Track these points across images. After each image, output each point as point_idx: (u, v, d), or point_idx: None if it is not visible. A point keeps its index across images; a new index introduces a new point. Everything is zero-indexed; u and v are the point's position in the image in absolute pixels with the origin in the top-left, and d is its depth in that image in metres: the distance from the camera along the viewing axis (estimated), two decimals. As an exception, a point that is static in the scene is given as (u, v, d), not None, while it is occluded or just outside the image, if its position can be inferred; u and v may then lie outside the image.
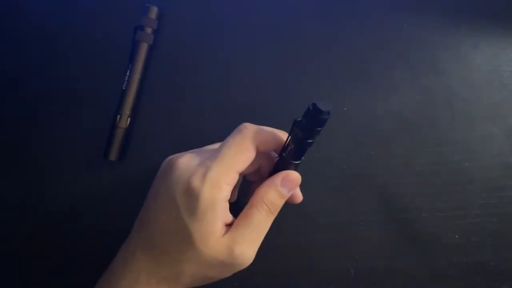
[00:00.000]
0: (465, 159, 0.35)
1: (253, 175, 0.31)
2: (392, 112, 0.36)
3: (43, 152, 0.35)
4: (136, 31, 0.35)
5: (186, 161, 0.27)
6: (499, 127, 0.35)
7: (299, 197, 0.30)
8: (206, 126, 0.35)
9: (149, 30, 0.35)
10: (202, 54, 0.36)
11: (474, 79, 0.36)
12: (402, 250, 0.34)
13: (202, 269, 0.26)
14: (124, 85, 0.34)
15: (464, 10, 0.37)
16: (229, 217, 0.27)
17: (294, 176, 0.27)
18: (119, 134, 0.34)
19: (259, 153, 0.29)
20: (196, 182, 0.25)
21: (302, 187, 0.34)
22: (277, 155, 0.28)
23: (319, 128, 0.25)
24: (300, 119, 0.25)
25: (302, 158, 0.27)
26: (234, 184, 0.26)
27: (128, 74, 0.34)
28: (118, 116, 0.34)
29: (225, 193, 0.26)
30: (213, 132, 0.35)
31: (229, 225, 0.27)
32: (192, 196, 0.25)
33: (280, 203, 0.27)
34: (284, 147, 0.27)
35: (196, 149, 0.30)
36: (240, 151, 0.26)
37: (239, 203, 0.30)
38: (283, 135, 0.28)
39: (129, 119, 0.34)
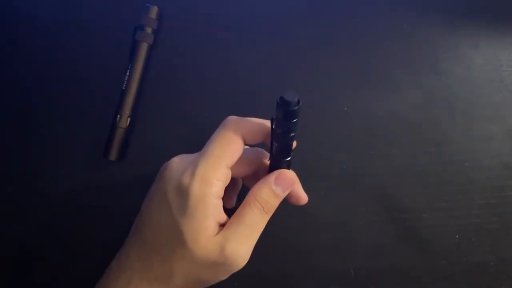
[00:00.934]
0: (465, 159, 0.35)
1: (251, 180, 0.30)
2: (392, 112, 0.36)
3: (43, 152, 0.35)
4: (136, 31, 0.35)
5: (178, 160, 0.28)
6: (499, 127, 0.35)
7: (303, 198, 0.30)
8: (206, 126, 0.35)
9: (149, 30, 0.35)
10: (202, 53, 0.36)
11: (474, 79, 0.36)
12: (402, 250, 0.34)
13: (194, 269, 0.26)
14: (124, 85, 0.34)
15: (464, 10, 0.37)
16: (222, 217, 0.26)
17: (287, 174, 0.27)
18: (119, 134, 0.34)
19: (252, 153, 0.29)
20: (186, 179, 0.25)
21: (302, 186, 0.34)
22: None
23: (294, 120, 0.24)
24: (274, 116, 0.25)
25: (291, 154, 0.27)
26: (225, 180, 0.26)
27: (128, 74, 0.34)
28: (118, 116, 0.34)
29: (215, 189, 0.25)
30: (213, 132, 0.35)
31: (223, 225, 0.26)
32: (182, 194, 0.25)
33: (274, 202, 0.27)
34: (271, 147, 0.27)
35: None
36: (225, 144, 0.26)
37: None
38: (264, 121, 0.28)
39: (129, 119, 0.34)
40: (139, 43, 0.34)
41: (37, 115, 0.35)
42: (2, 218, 0.34)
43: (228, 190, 0.28)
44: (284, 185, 0.27)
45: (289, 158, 0.27)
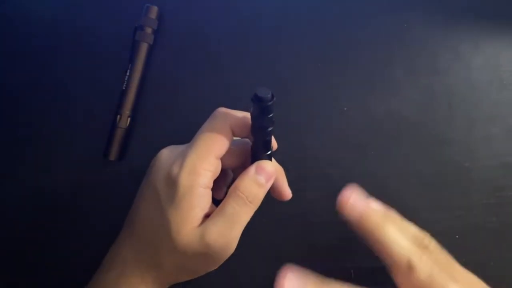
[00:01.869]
0: (465, 159, 0.35)
1: (240, 171, 0.30)
2: (392, 112, 0.36)
3: (43, 152, 0.35)
4: (136, 31, 0.35)
5: (167, 152, 0.28)
6: (499, 127, 0.35)
7: (287, 193, 0.30)
8: (206, 126, 0.35)
9: (149, 30, 0.35)
10: (202, 54, 0.36)
11: (474, 79, 0.36)
12: (402, 250, 0.34)
13: (180, 259, 0.26)
14: (124, 85, 0.34)
15: (464, 10, 0.37)
16: (211, 208, 0.26)
17: (267, 164, 0.27)
18: (119, 134, 0.34)
19: (241, 144, 0.29)
20: (175, 169, 0.25)
21: (302, 186, 0.34)
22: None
23: (269, 116, 0.25)
24: (250, 112, 0.26)
25: (270, 148, 0.27)
26: (214, 171, 0.26)
27: (128, 74, 0.34)
28: (118, 116, 0.34)
29: (203, 179, 0.25)
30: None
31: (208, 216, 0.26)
32: (171, 184, 0.25)
33: (257, 191, 0.26)
34: (252, 142, 0.27)
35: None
36: (214, 135, 0.26)
37: None
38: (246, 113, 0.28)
39: (129, 119, 0.34)
40: (139, 43, 0.34)
41: (37, 115, 0.35)
42: (1, 218, 0.34)
43: (218, 181, 0.28)
44: (265, 174, 0.27)
45: (269, 153, 0.27)
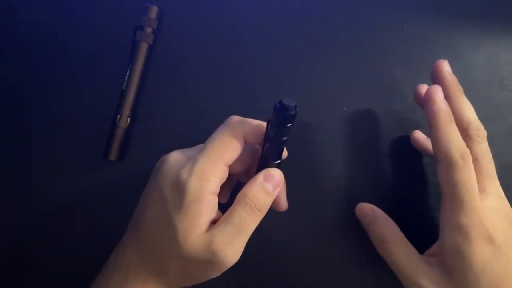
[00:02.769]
0: (465, 159, 0.35)
1: (244, 176, 0.31)
2: (392, 112, 0.36)
3: (43, 152, 0.35)
4: (136, 31, 0.35)
5: (175, 156, 0.28)
6: (499, 127, 0.35)
7: (283, 204, 0.30)
8: (206, 126, 0.35)
9: (149, 30, 0.35)
10: (202, 54, 0.36)
11: (474, 79, 0.36)
12: (402, 250, 0.34)
13: (185, 265, 0.26)
14: (124, 85, 0.34)
15: (464, 10, 0.37)
16: (216, 214, 0.26)
17: (275, 172, 0.27)
18: (119, 134, 0.34)
19: (248, 150, 0.29)
20: (184, 175, 0.25)
21: (302, 186, 0.34)
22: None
23: (289, 125, 0.25)
24: (270, 119, 0.25)
25: (281, 157, 0.27)
26: (222, 177, 0.26)
27: (128, 74, 0.34)
28: (118, 116, 0.34)
29: (212, 186, 0.25)
30: (213, 131, 0.35)
31: (215, 222, 0.26)
32: (179, 189, 0.25)
33: (265, 199, 0.26)
34: (262, 147, 0.27)
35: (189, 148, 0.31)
36: (225, 142, 0.26)
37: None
38: (261, 123, 0.28)
39: (129, 119, 0.34)
40: (139, 43, 0.34)
41: (37, 115, 0.35)
42: (1, 218, 0.34)
43: (222, 186, 0.28)
44: (273, 182, 0.27)
45: (278, 161, 0.27)
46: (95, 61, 0.36)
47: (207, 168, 0.25)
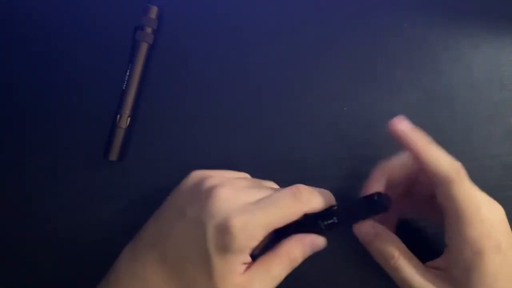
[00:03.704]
0: (465, 159, 0.35)
1: None
2: (392, 112, 0.35)
3: (43, 152, 0.35)
4: (136, 31, 0.35)
5: (228, 195, 0.26)
6: (499, 127, 0.35)
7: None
8: (206, 126, 0.35)
9: (149, 30, 0.35)
10: (202, 54, 0.36)
11: (474, 79, 0.36)
12: (402, 250, 0.34)
13: None
14: (124, 85, 0.34)
15: (464, 10, 0.37)
16: (248, 258, 0.27)
17: (321, 242, 0.28)
18: (119, 134, 0.34)
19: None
20: (236, 224, 0.25)
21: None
22: None
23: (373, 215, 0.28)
24: (357, 200, 0.28)
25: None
26: (268, 236, 0.27)
27: (128, 74, 0.34)
28: (118, 116, 0.34)
29: (256, 243, 0.26)
30: (213, 132, 0.35)
31: (245, 263, 0.27)
32: (226, 235, 0.25)
33: (300, 261, 0.27)
34: (322, 215, 0.28)
35: (232, 177, 0.30)
36: (289, 215, 0.26)
37: None
38: (331, 198, 0.29)
39: (129, 119, 0.34)
40: (139, 43, 0.34)
41: (36, 115, 0.35)
42: (1, 218, 0.34)
43: None
44: (314, 248, 0.28)
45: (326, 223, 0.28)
46: (95, 61, 0.36)
47: (260, 230, 0.26)
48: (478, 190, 0.27)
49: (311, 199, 0.27)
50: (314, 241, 0.28)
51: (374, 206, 0.27)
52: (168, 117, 0.35)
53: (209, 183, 0.28)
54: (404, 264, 0.28)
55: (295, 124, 0.35)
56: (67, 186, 0.34)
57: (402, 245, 0.29)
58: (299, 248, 0.27)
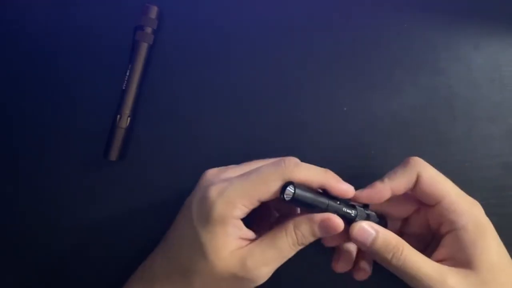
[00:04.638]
0: (465, 159, 0.35)
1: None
2: (392, 112, 0.36)
3: (43, 152, 0.35)
4: (136, 31, 0.35)
5: (214, 172, 0.28)
6: (499, 127, 0.35)
7: (365, 274, 0.31)
8: (206, 126, 0.35)
9: (149, 30, 0.35)
10: (202, 54, 0.36)
11: (474, 79, 0.36)
12: (402, 250, 0.34)
13: (213, 281, 0.25)
14: (124, 85, 0.34)
15: (464, 10, 0.37)
16: (245, 232, 0.26)
17: (334, 221, 0.26)
18: (119, 134, 0.34)
19: None
20: (213, 192, 0.25)
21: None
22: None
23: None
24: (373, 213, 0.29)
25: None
26: (252, 207, 0.26)
27: (128, 74, 0.34)
28: (118, 116, 0.34)
29: (239, 213, 0.25)
30: (213, 132, 0.35)
31: (245, 239, 0.26)
32: (205, 205, 0.25)
33: (309, 239, 0.26)
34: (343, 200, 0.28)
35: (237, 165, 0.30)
36: (270, 182, 0.25)
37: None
38: (323, 176, 0.27)
39: (129, 119, 0.34)
40: (139, 43, 0.34)
41: (37, 115, 0.35)
42: (1, 218, 0.34)
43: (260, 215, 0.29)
44: (328, 230, 0.26)
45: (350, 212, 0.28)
46: (95, 61, 0.36)
47: (239, 197, 0.25)
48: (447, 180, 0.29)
49: (295, 169, 0.26)
50: (325, 220, 0.26)
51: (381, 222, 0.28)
52: (168, 117, 0.35)
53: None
54: (412, 253, 0.26)
55: (295, 124, 0.35)
56: (67, 186, 0.34)
57: (402, 239, 0.28)
58: (307, 223, 0.26)
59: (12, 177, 0.35)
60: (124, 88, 0.34)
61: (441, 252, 0.28)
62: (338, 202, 0.27)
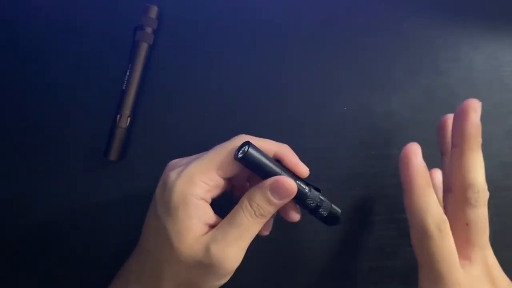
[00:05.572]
0: (465, 159, 0.35)
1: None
2: (392, 112, 0.36)
3: (43, 152, 0.35)
4: (136, 31, 0.35)
5: (176, 160, 0.28)
6: (499, 127, 0.35)
7: (292, 216, 0.28)
8: (206, 126, 0.35)
9: (149, 30, 0.35)
10: (202, 54, 0.36)
11: (474, 79, 0.36)
12: (403, 250, 0.34)
13: (182, 271, 0.25)
14: (124, 85, 0.34)
15: (464, 10, 0.37)
16: (212, 218, 0.25)
17: (285, 181, 0.25)
18: (119, 134, 0.34)
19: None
20: (172, 176, 0.25)
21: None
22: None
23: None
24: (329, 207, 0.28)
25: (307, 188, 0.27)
26: (213, 185, 0.25)
27: (128, 74, 0.34)
28: (118, 116, 0.34)
29: (199, 190, 0.25)
30: (213, 132, 0.35)
31: (212, 226, 0.25)
32: (166, 190, 0.25)
33: (267, 208, 0.25)
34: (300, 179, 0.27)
35: None
36: (223, 153, 0.25)
37: None
38: (279, 147, 0.27)
39: (129, 119, 0.34)
40: (139, 43, 0.34)
41: (37, 115, 0.35)
42: (2, 218, 0.34)
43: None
44: (280, 192, 0.25)
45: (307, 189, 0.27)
46: (95, 61, 0.36)
47: (197, 173, 0.25)
48: (472, 248, 0.26)
49: (250, 138, 0.26)
50: (274, 182, 0.25)
51: (333, 219, 0.28)
52: (168, 117, 0.35)
53: None
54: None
55: (295, 124, 0.35)
56: (67, 186, 0.34)
57: None
58: (259, 191, 0.25)
59: (12, 177, 0.35)
60: (124, 88, 0.34)
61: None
62: (292, 174, 0.27)
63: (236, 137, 0.27)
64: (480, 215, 0.26)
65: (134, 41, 0.35)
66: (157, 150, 0.35)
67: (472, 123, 0.26)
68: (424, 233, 0.25)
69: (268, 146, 0.27)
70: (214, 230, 0.25)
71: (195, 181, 0.25)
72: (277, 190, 0.25)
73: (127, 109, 0.34)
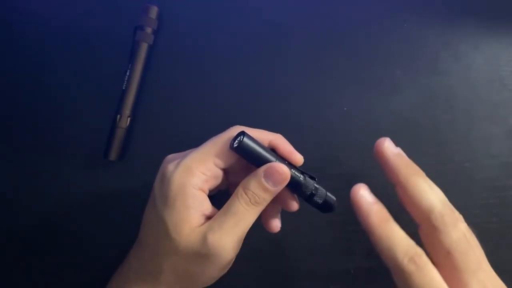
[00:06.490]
0: (465, 159, 0.35)
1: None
2: (392, 112, 0.36)
3: (43, 152, 0.35)
4: (136, 31, 0.35)
5: (173, 155, 0.28)
6: (499, 127, 0.35)
7: (293, 204, 0.28)
8: (206, 126, 0.35)
9: (149, 30, 0.35)
10: (202, 54, 0.36)
11: (474, 79, 0.36)
12: (402, 250, 0.34)
13: (180, 262, 0.25)
14: (124, 85, 0.34)
15: (464, 10, 0.37)
16: (208, 208, 0.26)
17: (279, 167, 0.25)
18: (119, 134, 0.34)
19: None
20: (170, 168, 0.25)
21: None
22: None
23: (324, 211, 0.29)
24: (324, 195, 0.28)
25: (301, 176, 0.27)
26: (210, 176, 0.26)
27: (128, 74, 0.34)
28: (118, 116, 0.34)
29: (197, 180, 0.25)
30: (213, 132, 0.35)
31: (209, 217, 0.26)
32: (164, 182, 0.25)
33: (262, 195, 0.25)
34: (294, 166, 0.27)
35: None
36: (219, 144, 0.26)
37: None
38: (274, 137, 0.28)
39: (129, 119, 0.34)
40: (139, 43, 0.34)
41: (37, 115, 0.35)
42: (2, 218, 0.34)
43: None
44: (274, 178, 0.25)
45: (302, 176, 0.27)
46: (95, 61, 0.36)
47: (194, 163, 0.25)
48: (464, 275, 0.23)
49: (246, 128, 0.26)
50: (268, 168, 0.25)
51: (328, 207, 0.28)
52: (168, 117, 0.35)
53: None
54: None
55: (295, 124, 0.35)
56: (67, 186, 0.34)
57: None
58: (253, 178, 0.25)
59: (12, 177, 0.35)
60: (124, 88, 0.34)
61: None
62: (287, 163, 0.27)
63: (231, 127, 0.27)
64: (456, 238, 0.24)
65: (134, 41, 0.35)
66: (157, 150, 0.35)
67: (392, 158, 0.26)
68: (401, 271, 0.23)
69: (263, 136, 0.27)
70: (211, 220, 0.25)
71: (193, 171, 0.25)
72: (270, 176, 0.25)
73: (127, 109, 0.34)
